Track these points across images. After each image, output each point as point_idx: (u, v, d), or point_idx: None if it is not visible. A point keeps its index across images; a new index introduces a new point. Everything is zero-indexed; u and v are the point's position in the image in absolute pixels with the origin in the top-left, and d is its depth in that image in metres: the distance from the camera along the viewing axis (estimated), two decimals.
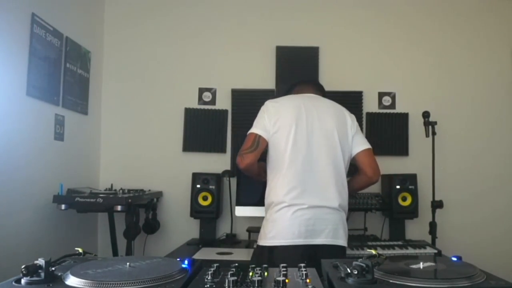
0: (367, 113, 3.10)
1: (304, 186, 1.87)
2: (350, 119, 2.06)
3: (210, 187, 2.79)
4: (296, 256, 1.70)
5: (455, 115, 3.09)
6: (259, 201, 2.52)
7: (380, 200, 2.81)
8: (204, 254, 2.46)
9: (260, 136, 1.93)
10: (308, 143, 1.91)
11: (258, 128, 1.95)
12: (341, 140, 1.97)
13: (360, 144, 2.05)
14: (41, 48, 2.34)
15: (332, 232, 1.86)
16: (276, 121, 1.93)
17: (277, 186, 1.89)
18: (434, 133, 2.67)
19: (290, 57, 3.13)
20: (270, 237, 1.85)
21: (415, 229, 2.90)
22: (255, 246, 2.03)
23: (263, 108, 2.02)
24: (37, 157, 2.33)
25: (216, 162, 3.03)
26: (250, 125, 2.00)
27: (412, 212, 2.77)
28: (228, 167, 3.02)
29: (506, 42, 3.14)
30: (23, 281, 0.94)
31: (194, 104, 3.12)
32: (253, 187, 2.71)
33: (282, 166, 1.89)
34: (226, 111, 3.11)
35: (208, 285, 0.95)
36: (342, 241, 1.89)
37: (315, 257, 1.42)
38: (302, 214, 1.83)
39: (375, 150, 3.02)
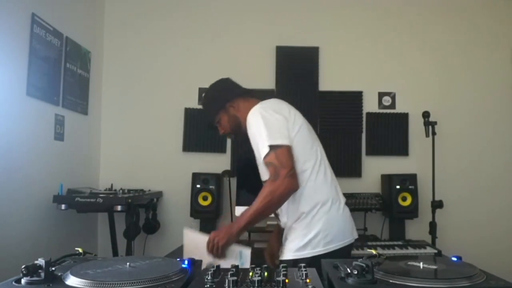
0: (367, 113, 3.10)
1: (334, 180, 1.78)
2: None
3: (210, 187, 2.79)
4: (347, 256, 1.54)
5: (455, 115, 3.09)
6: None
7: (380, 200, 2.81)
8: None
9: (290, 148, 1.66)
10: (317, 139, 1.83)
11: (285, 138, 1.65)
12: None
13: None
14: (41, 48, 2.34)
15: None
16: (294, 121, 1.72)
17: (318, 183, 1.69)
18: (434, 133, 2.68)
19: (290, 57, 3.13)
20: (326, 243, 1.62)
21: (415, 229, 2.90)
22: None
23: (275, 111, 1.71)
24: (37, 157, 2.33)
25: (216, 162, 3.03)
26: None
27: (412, 212, 2.78)
28: (228, 167, 3.02)
29: (506, 42, 3.14)
30: (23, 281, 0.94)
31: (194, 104, 3.12)
32: (253, 187, 2.71)
33: (315, 164, 1.70)
34: None
35: (208, 285, 0.95)
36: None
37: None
38: (347, 210, 1.75)
39: (375, 150, 3.09)
